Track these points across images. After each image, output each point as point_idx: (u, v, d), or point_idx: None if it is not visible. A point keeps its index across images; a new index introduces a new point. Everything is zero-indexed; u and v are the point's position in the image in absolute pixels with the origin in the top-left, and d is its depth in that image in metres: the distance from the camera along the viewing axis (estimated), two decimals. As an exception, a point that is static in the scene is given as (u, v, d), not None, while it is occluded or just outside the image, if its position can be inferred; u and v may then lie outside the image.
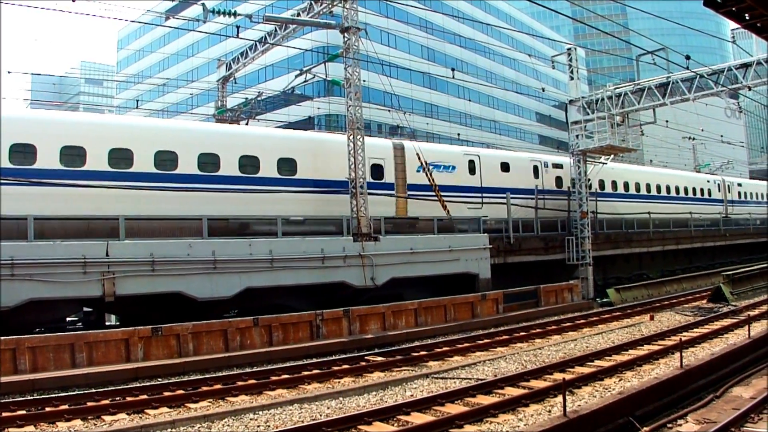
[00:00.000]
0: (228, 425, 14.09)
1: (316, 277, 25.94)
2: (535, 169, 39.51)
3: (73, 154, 24.17)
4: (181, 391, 16.97)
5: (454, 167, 34.55)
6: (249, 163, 27.85)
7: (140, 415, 15.00)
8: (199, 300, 23.07)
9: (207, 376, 18.88)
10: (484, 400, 15.36)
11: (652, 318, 28.93)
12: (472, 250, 30.87)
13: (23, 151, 23.23)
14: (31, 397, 16.28)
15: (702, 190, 56.58)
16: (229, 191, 26.76)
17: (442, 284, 30.16)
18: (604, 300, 35.31)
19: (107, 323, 27.35)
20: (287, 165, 28.80)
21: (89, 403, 15.74)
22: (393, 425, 13.75)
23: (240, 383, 17.95)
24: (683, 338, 20.44)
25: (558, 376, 17.44)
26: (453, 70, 42.71)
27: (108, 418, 14.76)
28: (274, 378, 18.52)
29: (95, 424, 14.43)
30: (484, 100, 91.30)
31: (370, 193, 28.42)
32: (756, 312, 28.17)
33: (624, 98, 34.53)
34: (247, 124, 39.75)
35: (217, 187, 26.58)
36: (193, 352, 20.98)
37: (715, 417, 12.72)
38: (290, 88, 41.51)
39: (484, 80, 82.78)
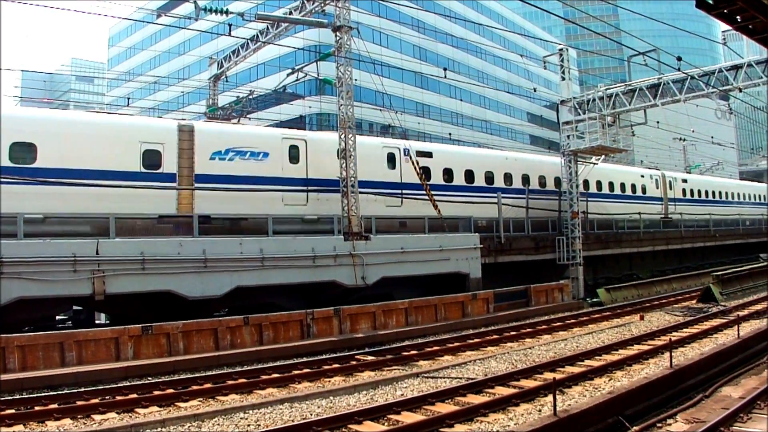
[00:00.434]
0: (218, 424, 14.06)
1: (306, 276, 25.89)
2: (392, 157, 32.94)
3: None
4: (171, 390, 16.94)
5: (266, 154, 28.71)
6: None
7: (130, 415, 14.95)
8: (189, 299, 23.00)
9: (197, 375, 18.84)
10: (475, 399, 15.37)
11: (642, 318, 29.00)
12: (463, 250, 30.86)
13: None
14: (21, 396, 16.20)
15: (634, 186, 49.02)
16: None
17: (433, 284, 30.17)
18: (595, 300, 35.40)
19: (97, 322, 27.23)
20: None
21: (79, 402, 15.69)
22: (383, 424, 13.75)
23: (230, 382, 17.94)
24: (673, 338, 20.50)
25: (548, 375, 17.48)
26: (445, 69, 42.86)
27: (98, 417, 14.72)
28: (264, 377, 18.50)
29: (85, 424, 14.39)
30: (476, 100, 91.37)
31: (135, 186, 25.13)
32: (745, 312, 28.36)
33: (615, 99, 34.64)
34: (238, 122, 39.64)
35: None
36: (183, 351, 20.93)
37: (705, 416, 12.76)
38: (282, 86, 41.48)
39: (475, 80, 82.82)
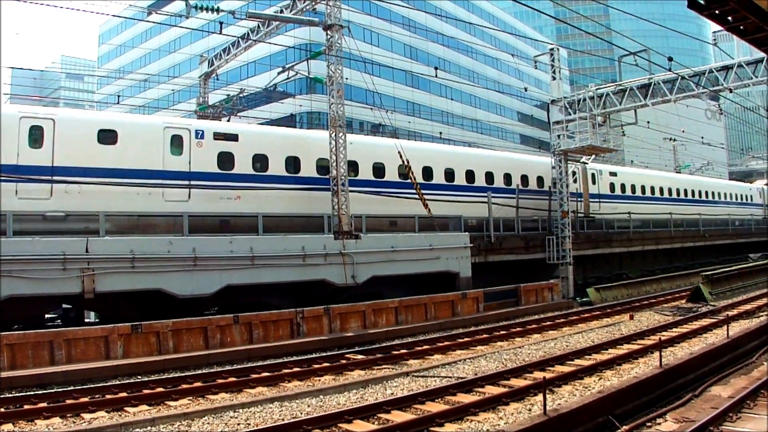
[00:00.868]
0: (208, 423, 14.04)
1: (296, 274, 25.88)
2: (177, 140, 27.08)
3: None
4: (160, 389, 16.90)
5: None
6: None
7: (120, 413, 14.91)
8: (179, 297, 22.96)
9: (187, 373, 18.82)
10: (465, 398, 15.37)
11: (631, 317, 29.07)
12: (453, 249, 30.89)
13: None
14: (10, 395, 16.12)
15: (541, 179, 41.13)
16: None
17: (423, 283, 30.18)
18: (584, 299, 35.46)
19: (87, 320, 27.14)
20: None
21: (68, 401, 15.66)
22: (373, 423, 13.74)
23: (220, 381, 17.92)
24: (662, 338, 20.49)
25: (538, 374, 17.48)
26: (436, 68, 42.82)
27: (87, 416, 14.68)
28: (254, 376, 18.47)
29: (74, 422, 14.34)
30: (467, 99, 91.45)
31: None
32: (734, 312, 28.43)
33: (606, 99, 34.72)
34: (228, 120, 39.59)
35: None
36: (173, 349, 20.89)
37: (694, 416, 12.79)
38: (272, 85, 41.52)
39: (466, 79, 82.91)
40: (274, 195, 28.62)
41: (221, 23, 26.99)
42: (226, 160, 27.95)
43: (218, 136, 28.09)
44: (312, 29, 42.11)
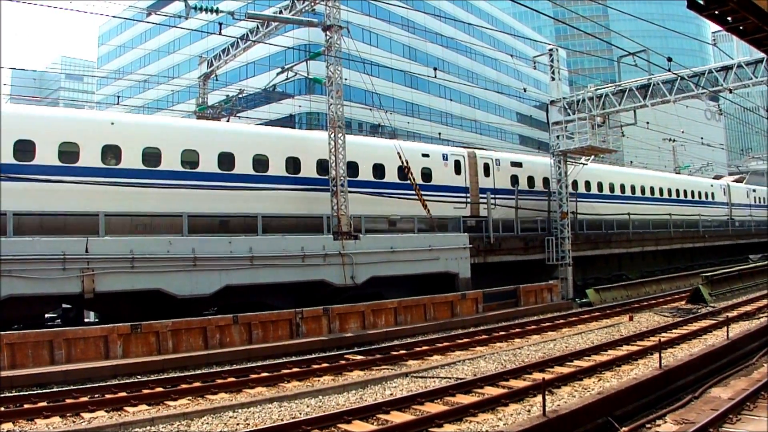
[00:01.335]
0: (207, 423, 14.04)
1: (296, 275, 25.88)
2: None
3: None
4: (160, 389, 16.91)
5: None
6: None
7: (119, 413, 14.91)
8: (178, 297, 22.96)
9: (186, 373, 18.82)
10: (464, 399, 15.37)
11: (631, 319, 29.06)
12: (452, 250, 30.88)
13: None
14: (9, 394, 16.12)
15: (431, 172, 34.79)
16: None
17: (422, 283, 30.20)
18: (584, 300, 35.43)
19: (86, 320, 27.14)
20: None
21: (68, 401, 15.68)
22: (373, 424, 13.74)
23: (219, 381, 17.92)
24: (662, 339, 20.46)
25: (537, 375, 17.48)
26: (435, 69, 42.75)
27: (87, 416, 14.68)
28: (253, 376, 18.47)
29: (74, 422, 14.35)
30: (466, 99, 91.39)
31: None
32: (734, 313, 28.42)
33: (605, 99, 34.72)
34: (228, 120, 39.58)
35: None
36: (172, 349, 20.89)
37: (694, 417, 12.77)
38: (272, 85, 41.49)
39: (465, 80, 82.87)
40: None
41: (220, 24, 26.98)
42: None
43: None
44: (311, 30, 41.97)
